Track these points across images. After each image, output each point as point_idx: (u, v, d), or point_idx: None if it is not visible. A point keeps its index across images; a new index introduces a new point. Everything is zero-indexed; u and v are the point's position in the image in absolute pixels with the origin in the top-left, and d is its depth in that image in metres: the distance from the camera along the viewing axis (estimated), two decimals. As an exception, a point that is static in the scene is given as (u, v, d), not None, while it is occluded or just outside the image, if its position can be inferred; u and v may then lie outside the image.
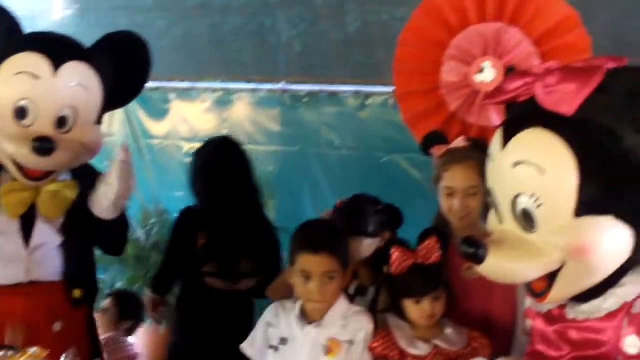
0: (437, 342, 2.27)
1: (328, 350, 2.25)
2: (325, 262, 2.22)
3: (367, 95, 4.70)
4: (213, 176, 3.25)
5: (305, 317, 2.30)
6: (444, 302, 2.29)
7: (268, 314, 2.38)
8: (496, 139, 1.87)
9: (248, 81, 5.15)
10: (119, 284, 5.16)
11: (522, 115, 1.81)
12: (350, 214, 2.56)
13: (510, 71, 1.97)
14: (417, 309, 2.26)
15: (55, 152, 2.47)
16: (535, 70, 1.80)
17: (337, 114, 4.81)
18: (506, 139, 1.81)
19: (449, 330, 2.30)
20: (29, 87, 2.50)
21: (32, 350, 2.07)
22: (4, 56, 2.52)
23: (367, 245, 2.54)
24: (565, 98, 1.69)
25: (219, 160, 3.29)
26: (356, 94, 4.72)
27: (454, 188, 2.42)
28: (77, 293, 2.65)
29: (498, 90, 1.88)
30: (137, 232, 5.21)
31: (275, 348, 2.32)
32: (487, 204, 2.20)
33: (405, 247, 2.31)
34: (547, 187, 1.72)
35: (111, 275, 5.07)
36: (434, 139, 2.52)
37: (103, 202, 2.54)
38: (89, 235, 2.67)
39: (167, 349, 3.49)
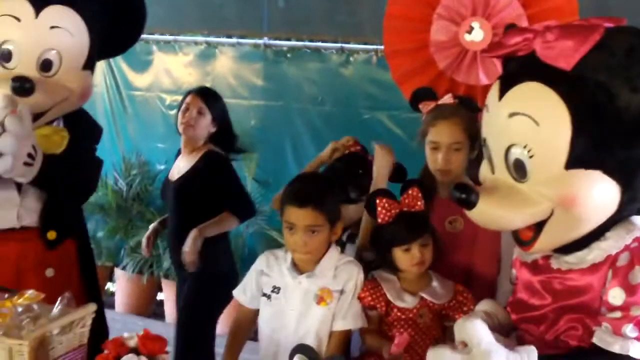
0: (424, 295, 2.34)
1: (320, 300, 2.29)
2: (310, 216, 2.26)
3: (351, 52, 4.75)
4: None
5: (297, 268, 2.35)
6: (432, 250, 2.34)
7: (260, 263, 2.42)
8: (493, 91, 1.93)
9: (230, 36, 5.16)
10: (100, 234, 5.21)
11: (521, 69, 1.87)
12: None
13: (509, 28, 2.01)
14: (407, 257, 2.31)
15: (35, 93, 2.47)
16: (535, 27, 1.86)
17: (320, 70, 4.86)
18: (503, 91, 1.87)
19: (435, 284, 2.36)
20: (11, 30, 2.54)
21: (29, 292, 2.12)
22: None
23: (353, 211, 2.60)
24: (564, 53, 1.75)
25: None
26: (340, 51, 4.77)
27: (439, 143, 2.48)
28: (51, 235, 2.67)
29: (498, 44, 1.93)
30: (119, 183, 5.24)
31: (269, 296, 2.36)
32: (477, 157, 2.28)
33: (389, 198, 2.38)
34: (541, 139, 1.79)
35: (93, 226, 5.10)
36: (423, 94, 2.58)
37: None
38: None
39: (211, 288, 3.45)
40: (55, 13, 2.56)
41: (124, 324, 4.62)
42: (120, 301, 5.30)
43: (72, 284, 2.54)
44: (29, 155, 2.42)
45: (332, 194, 2.35)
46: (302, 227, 2.26)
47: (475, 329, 1.80)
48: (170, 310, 5.06)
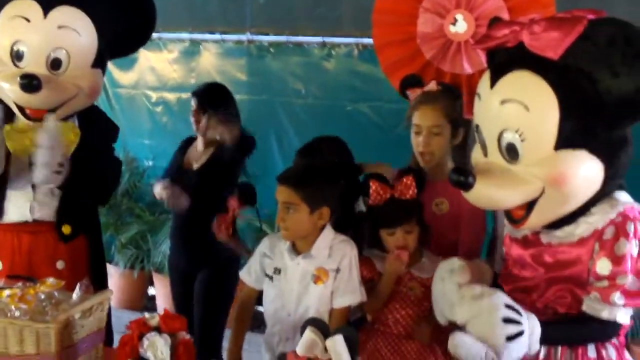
0: (412, 270, 2.51)
1: (316, 279, 2.44)
2: (285, 193, 2.41)
3: (333, 46, 4.88)
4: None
5: (295, 249, 2.49)
6: (417, 236, 2.50)
7: (263, 246, 2.57)
8: (484, 80, 2.06)
9: (213, 32, 5.25)
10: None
11: (510, 59, 2.00)
12: None
13: (495, 21, 2.14)
14: (392, 240, 2.49)
15: (43, 90, 2.58)
16: (521, 20, 2.00)
17: (303, 64, 4.98)
18: (494, 80, 2.00)
19: (424, 259, 2.53)
20: (22, 30, 2.66)
21: (50, 280, 2.23)
22: (4, 4, 2.68)
23: None
24: (551, 44, 1.89)
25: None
26: (322, 45, 4.89)
27: (420, 126, 2.63)
28: (66, 229, 2.78)
29: (487, 36, 2.07)
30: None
31: (271, 277, 2.51)
32: (461, 143, 2.42)
33: (383, 182, 2.52)
34: (531, 123, 1.92)
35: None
36: (410, 81, 2.72)
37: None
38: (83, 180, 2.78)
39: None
40: (63, 13, 2.67)
41: (117, 319, 4.66)
42: (112, 296, 5.34)
43: (81, 278, 2.63)
44: (60, 164, 2.55)
45: (318, 179, 2.46)
46: (280, 202, 2.43)
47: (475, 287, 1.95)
48: (162, 304, 5.16)
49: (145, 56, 5.38)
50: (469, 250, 2.66)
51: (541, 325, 1.93)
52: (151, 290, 5.49)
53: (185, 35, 5.29)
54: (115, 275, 5.30)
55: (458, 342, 1.92)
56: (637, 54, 1.83)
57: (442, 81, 2.75)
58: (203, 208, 3.33)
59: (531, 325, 1.90)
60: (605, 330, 2.04)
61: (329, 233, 2.48)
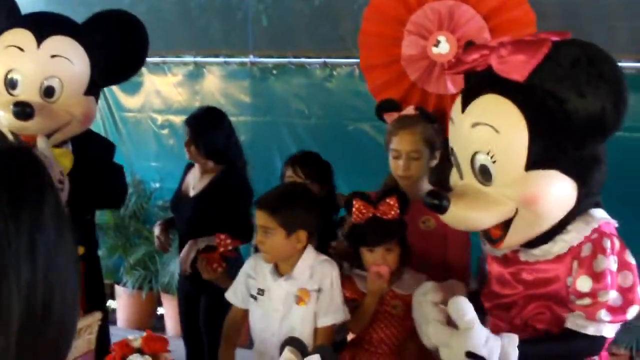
0: (394, 287, 2.54)
1: (299, 300, 2.48)
2: (262, 217, 2.46)
3: (334, 66, 4.93)
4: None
5: (278, 271, 2.54)
6: (397, 255, 2.53)
7: (247, 266, 2.62)
8: (457, 105, 2.10)
9: (217, 55, 5.33)
10: (99, 252, 5.34)
11: (480, 83, 2.05)
12: None
13: (468, 45, 2.19)
14: (371, 257, 2.52)
15: (35, 117, 2.67)
16: (490, 44, 2.04)
17: (305, 85, 5.04)
18: (465, 104, 2.05)
19: (407, 276, 2.56)
20: (16, 59, 2.76)
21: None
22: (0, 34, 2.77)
23: None
24: (517, 67, 1.93)
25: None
26: (323, 65, 4.95)
27: (400, 151, 2.67)
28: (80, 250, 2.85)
29: (458, 61, 2.12)
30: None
31: (255, 298, 2.56)
32: (438, 164, 2.47)
33: (366, 200, 2.56)
34: (501, 145, 1.96)
35: (92, 244, 5.23)
36: (387, 106, 2.77)
37: None
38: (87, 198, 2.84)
39: None
40: (56, 43, 2.76)
41: (125, 339, 4.75)
42: (121, 317, 5.44)
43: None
44: (59, 182, 2.62)
45: (293, 204, 2.49)
46: (259, 226, 2.49)
47: (459, 306, 1.98)
48: (170, 324, 5.22)
49: (150, 80, 5.46)
50: (458, 265, 2.70)
51: (522, 344, 1.96)
52: (160, 310, 5.54)
53: (189, 59, 5.36)
54: (123, 296, 5.39)
55: None
56: (600, 74, 1.86)
57: (427, 103, 2.80)
58: (204, 234, 3.36)
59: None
60: (592, 345, 2.07)
61: (310, 254, 2.53)
